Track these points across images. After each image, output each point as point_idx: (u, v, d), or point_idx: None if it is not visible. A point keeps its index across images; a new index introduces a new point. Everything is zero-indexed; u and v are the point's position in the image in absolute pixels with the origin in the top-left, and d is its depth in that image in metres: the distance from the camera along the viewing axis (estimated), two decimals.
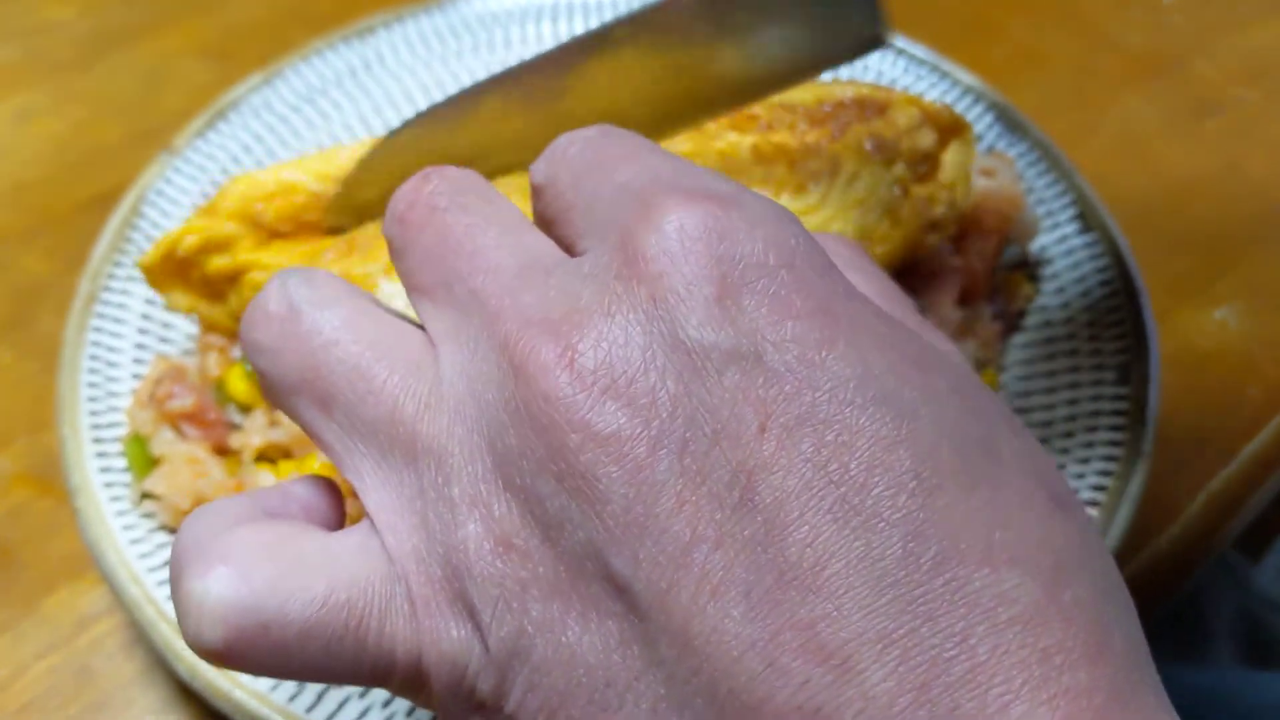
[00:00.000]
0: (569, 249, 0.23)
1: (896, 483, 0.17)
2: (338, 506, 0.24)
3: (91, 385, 0.43)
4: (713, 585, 0.17)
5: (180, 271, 0.43)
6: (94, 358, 0.44)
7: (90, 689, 0.42)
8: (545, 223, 0.24)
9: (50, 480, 0.47)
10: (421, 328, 0.23)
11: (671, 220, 0.20)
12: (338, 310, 0.23)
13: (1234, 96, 0.64)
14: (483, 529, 0.20)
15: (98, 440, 0.41)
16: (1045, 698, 0.16)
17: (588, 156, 0.23)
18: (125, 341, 0.45)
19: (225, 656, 0.20)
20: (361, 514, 0.23)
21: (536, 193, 0.24)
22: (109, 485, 0.40)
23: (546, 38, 0.59)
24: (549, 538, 0.19)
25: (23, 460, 0.48)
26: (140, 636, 0.42)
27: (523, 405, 0.19)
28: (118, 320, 0.46)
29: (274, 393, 0.23)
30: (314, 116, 0.55)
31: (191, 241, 0.41)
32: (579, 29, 0.59)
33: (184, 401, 0.41)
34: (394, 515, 0.21)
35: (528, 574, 0.19)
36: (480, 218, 0.23)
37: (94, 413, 0.42)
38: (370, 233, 0.41)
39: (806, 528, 0.17)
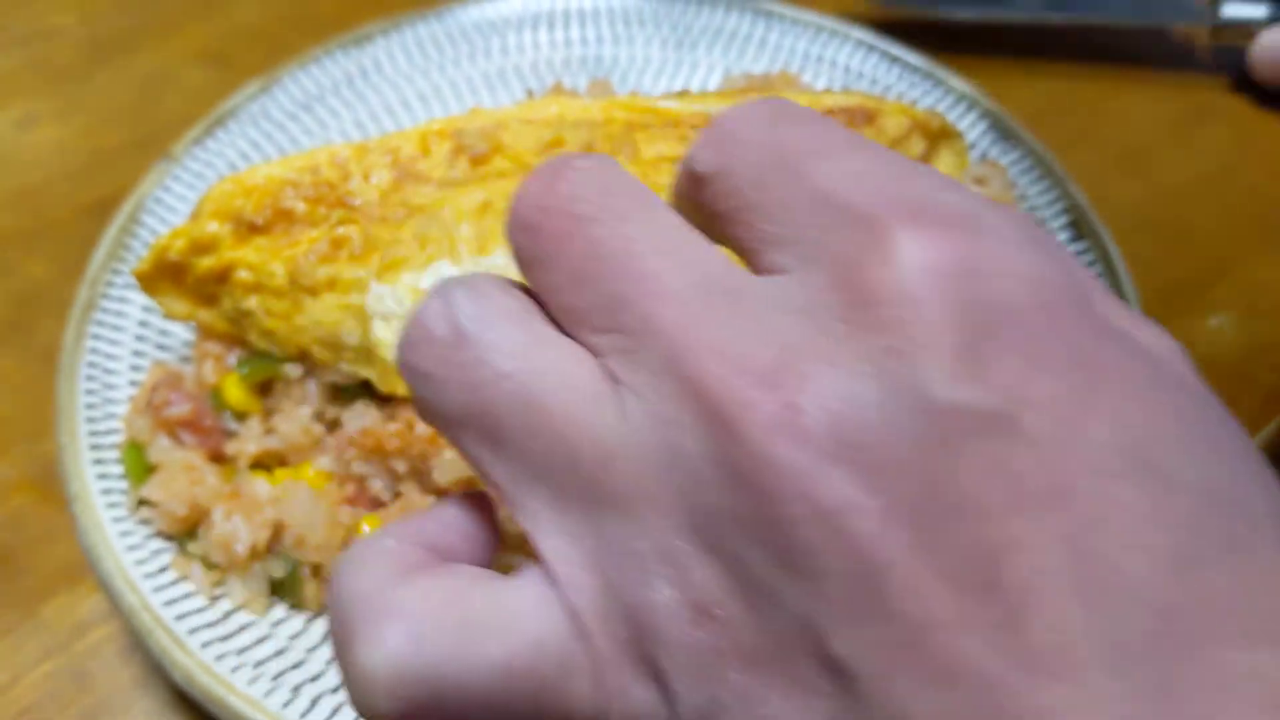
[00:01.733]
0: (746, 255, 0.20)
1: (1153, 560, 0.16)
2: (493, 527, 0.23)
3: (89, 392, 0.43)
4: (946, 671, 0.16)
5: (173, 277, 0.43)
6: (92, 365, 0.44)
7: (88, 694, 0.42)
8: (708, 217, 0.21)
9: (49, 487, 0.48)
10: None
11: (907, 250, 0.17)
12: (507, 332, 0.20)
13: (1230, 101, 0.64)
14: (677, 592, 0.18)
15: (95, 447, 0.42)
16: None
17: (769, 146, 0.20)
18: (123, 349, 0.45)
19: None
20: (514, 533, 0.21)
21: (698, 182, 0.21)
22: (106, 492, 0.41)
23: (543, 45, 0.59)
24: (754, 607, 0.17)
25: (22, 467, 0.49)
26: (137, 642, 0.42)
27: (732, 464, 0.17)
28: (116, 327, 0.46)
29: (436, 423, 0.21)
30: (311, 124, 0.55)
31: (179, 245, 0.42)
32: (575, 36, 0.59)
33: (181, 408, 0.41)
34: (573, 567, 0.19)
35: (727, 644, 0.18)
36: (639, 227, 0.20)
37: (91, 420, 0.43)
38: (358, 231, 0.41)
39: (1052, 611, 0.16)
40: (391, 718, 0.19)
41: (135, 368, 0.45)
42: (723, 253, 0.20)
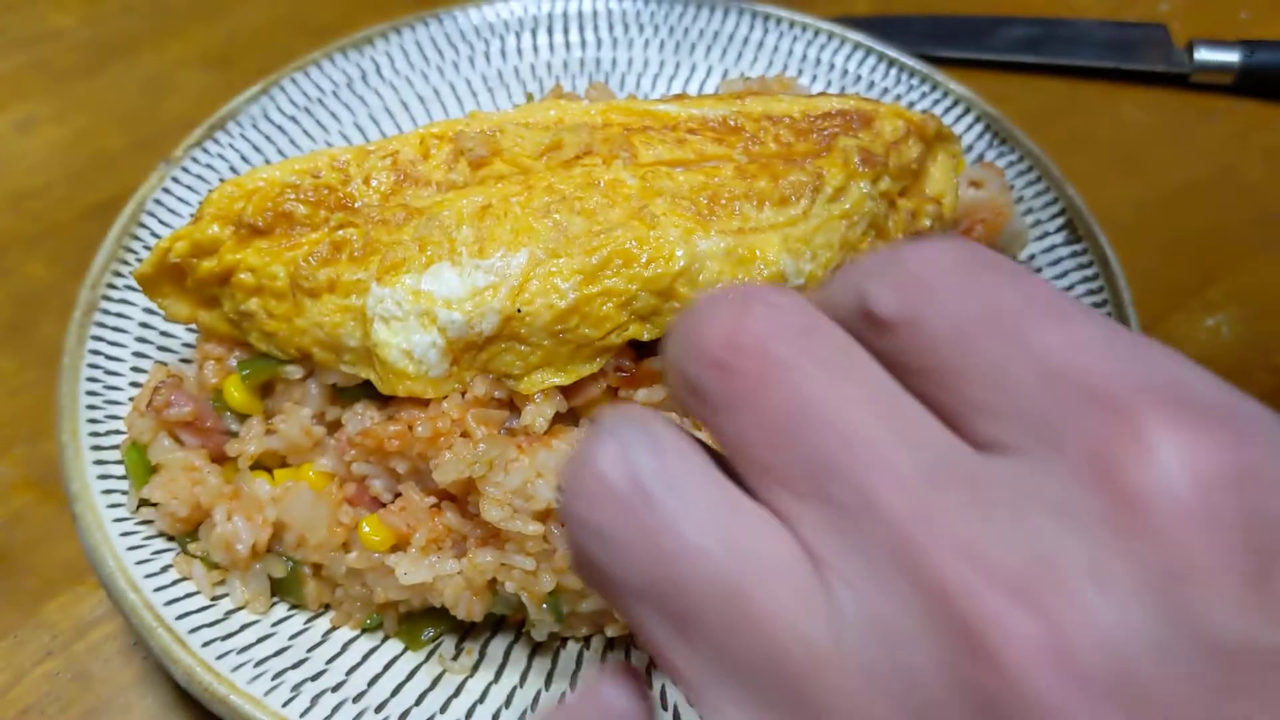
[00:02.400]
0: (946, 417, 0.18)
1: None
2: (648, 702, 0.20)
3: (91, 394, 0.43)
4: None
5: (175, 279, 0.43)
6: (94, 366, 0.44)
7: (89, 693, 0.42)
8: (892, 366, 0.18)
9: (50, 486, 0.48)
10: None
11: (1172, 450, 0.15)
12: (701, 499, 0.18)
13: (1227, 103, 0.65)
14: None
15: (97, 448, 0.42)
16: None
17: (970, 300, 0.18)
18: (125, 350, 0.46)
19: None
20: None
21: (882, 328, 0.18)
22: (107, 492, 0.41)
23: (542, 48, 0.59)
24: None
25: (23, 467, 0.49)
26: (138, 641, 0.43)
27: (980, 691, 0.15)
28: (117, 329, 0.46)
29: (610, 591, 0.19)
30: (311, 126, 0.55)
31: (180, 248, 0.42)
32: (573, 40, 0.60)
33: (182, 409, 0.41)
34: None
35: None
36: (850, 385, 0.18)
37: (93, 420, 0.43)
38: (358, 233, 0.41)
39: None
40: None
41: (137, 369, 0.45)
42: (936, 420, 0.17)
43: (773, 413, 0.18)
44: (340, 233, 0.41)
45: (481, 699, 0.38)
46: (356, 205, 0.42)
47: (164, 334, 0.47)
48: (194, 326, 0.46)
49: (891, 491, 0.16)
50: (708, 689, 0.18)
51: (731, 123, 0.44)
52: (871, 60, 0.57)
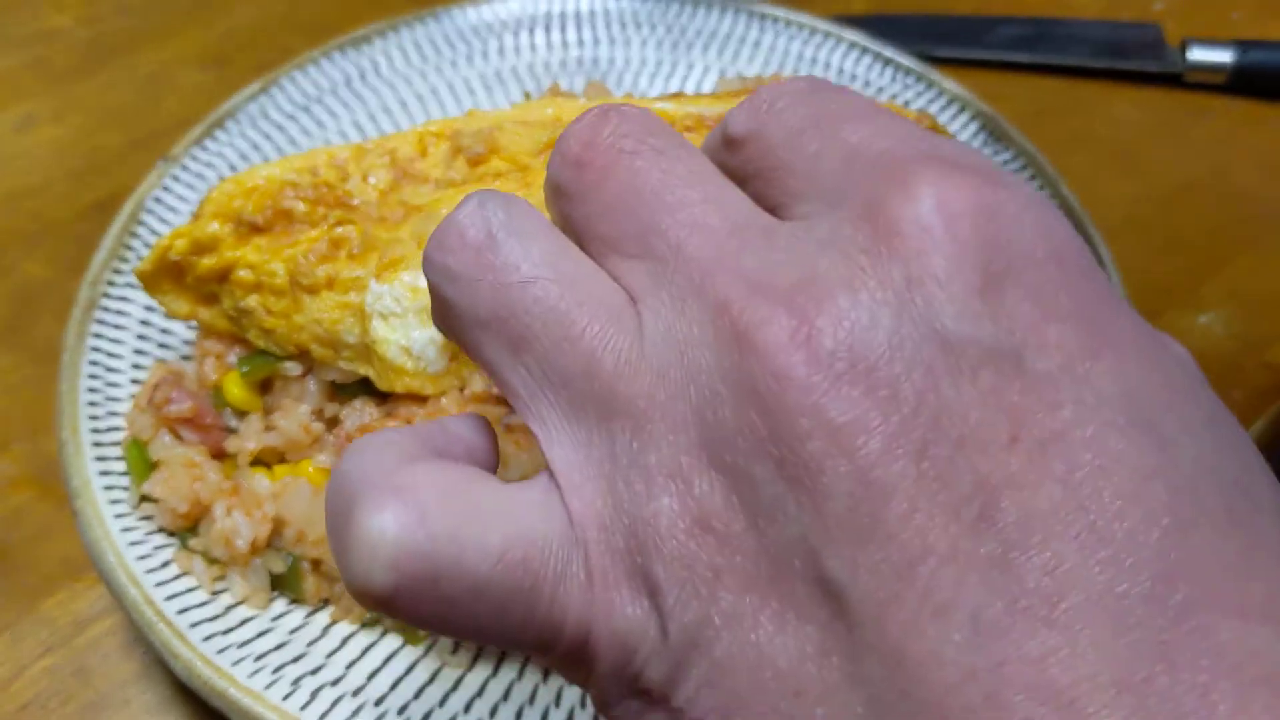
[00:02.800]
0: (773, 211, 0.21)
1: (1150, 516, 0.16)
2: (495, 451, 0.23)
3: (91, 390, 0.44)
4: (938, 603, 0.16)
5: (174, 276, 0.44)
6: (94, 363, 0.45)
7: (88, 689, 0.42)
8: (741, 178, 0.22)
9: (49, 483, 0.48)
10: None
11: (931, 191, 0.18)
12: (539, 243, 0.21)
13: (1221, 102, 0.65)
14: (679, 505, 0.18)
15: (97, 444, 0.42)
16: None
17: (803, 112, 0.21)
18: (125, 347, 0.46)
19: (390, 603, 0.19)
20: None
21: (734, 145, 0.22)
22: (108, 489, 0.41)
23: (539, 47, 0.60)
24: (755, 526, 0.17)
25: (22, 463, 0.49)
26: (138, 637, 0.43)
27: (746, 379, 0.17)
28: (117, 326, 0.46)
29: (457, 324, 0.22)
30: (310, 124, 0.56)
31: (181, 245, 0.42)
32: (571, 39, 0.60)
33: (182, 406, 0.42)
34: (580, 475, 0.20)
35: (723, 560, 0.18)
36: (677, 163, 0.21)
37: (94, 417, 0.43)
38: (356, 231, 0.41)
39: (1049, 554, 0.16)
40: (385, 592, 0.19)
41: (137, 366, 0.46)
42: (750, 201, 0.21)
43: (613, 193, 0.21)
44: (339, 230, 0.41)
45: (480, 693, 0.38)
46: (355, 202, 0.42)
47: (164, 331, 0.47)
48: (194, 324, 0.46)
49: (699, 241, 0.19)
50: (534, 400, 0.20)
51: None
52: (868, 60, 0.57)
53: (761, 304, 0.18)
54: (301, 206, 0.42)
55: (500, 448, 0.37)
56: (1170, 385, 0.18)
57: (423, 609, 0.19)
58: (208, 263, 0.42)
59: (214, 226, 0.42)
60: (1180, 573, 0.16)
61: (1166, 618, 0.15)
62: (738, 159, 0.22)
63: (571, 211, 0.22)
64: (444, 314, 0.22)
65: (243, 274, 0.42)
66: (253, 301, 0.42)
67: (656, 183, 0.20)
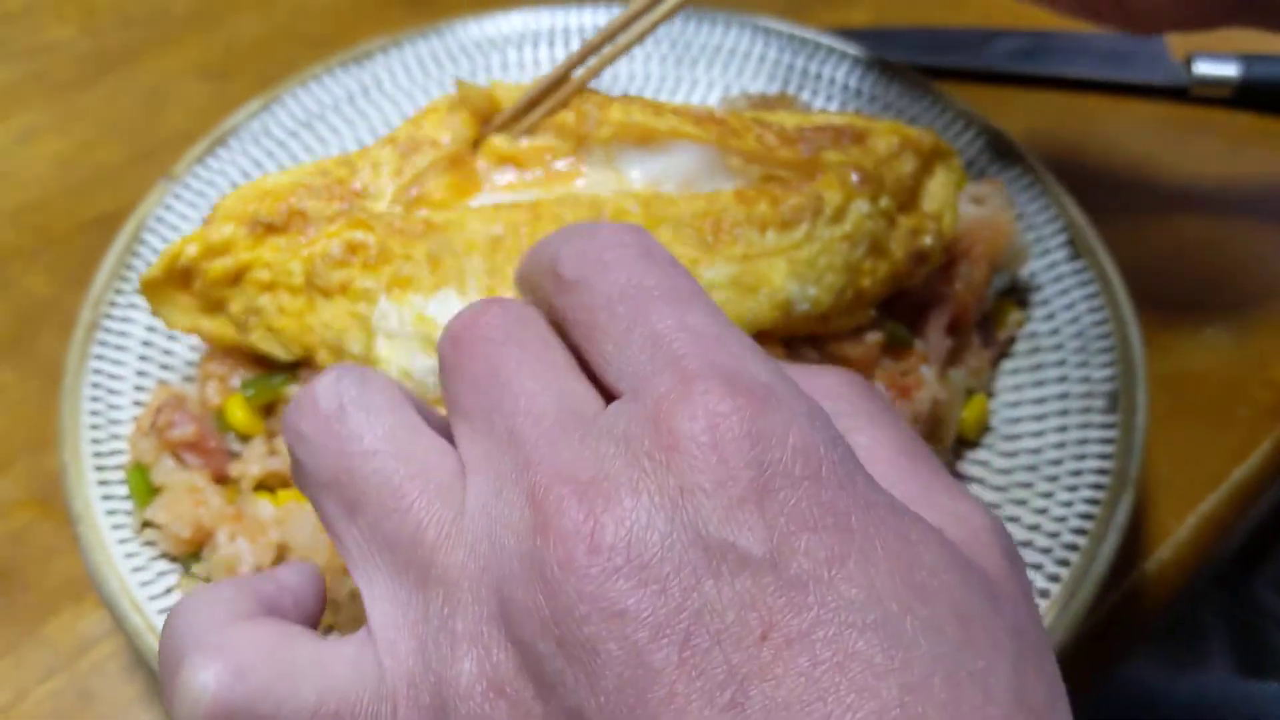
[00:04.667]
0: (593, 373, 0.24)
1: (880, 710, 0.18)
2: (322, 596, 0.26)
3: (93, 413, 0.43)
4: None
5: (182, 282, 0.43)
6: (96, 385, 0.44)
7: (91, 712, 0.42)
8: (562, 322, 0.25)
9: (51, 503, 0.48)
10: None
11: (703, 407, 0.20)
12: (383, 420, 0.24)
13: (1226, 117, 0.65)
14: (478, 669, 0.20)
15: (100, 468, 0.42)
16: None
17: (626, 278, 0.24)
18: (127, 369, 0.46)
19: None
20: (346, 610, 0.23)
21: (562, 286, 0.24)
22: (111, 513, 0.41)
23: (543, 62, 0.59)
24: (541, 695, 0.20)
25: (25, 482, 0.49)
26: (140, 660, 0.43)
27: (537, 562, 0.20)
28: (119, 347, 0.46)
29: (305, 482, 0.24)
30: (312, 141, 0.55)
31: (193, 251, 0.42)
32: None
33: (185, 430, 0.41)
34: (395, 633, 0.22)
35: None
36: (532, 357, 0.24)
37: (96, 440, 0.43)
38: (375, 239, 0.41)
39: None
40: None
41: (139, 388, 0.45)
42: (594, 392, 0.23)
43: (474, 374, 0.24)
44: (357, 235, 0.41)
45: None
46: (379, 207, 0.43)
47: (166, 352, 0.47)
48: (196, 345, 0.46)
49: (528, 429, 0.22)
50: (364, 559, 0.23)
51: (716, 116, 0.45)
52: (872, 75, 0.57)
53: (560, 496, 0.20)
54: (314, 205, 0.42)
55: None
56: (916, 585, 0.20)
57: None
58: (221, 265, 0.42)
59: (227, 229, 0.42)
60: None
61: None
62: (562, 301, 0.25)
63: (445, 381, 0.25)
64: (295, 472, 0.24)
65: (260, 274, 0.42)
66: (265, 300, 0.42)
67: (510, 371, 0.23)
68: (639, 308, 0.23)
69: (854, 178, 0.42)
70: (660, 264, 0.24)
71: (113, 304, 0.47)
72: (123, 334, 0.47)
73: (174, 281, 0.43)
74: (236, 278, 0.42)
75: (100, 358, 0.45)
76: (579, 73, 0.46)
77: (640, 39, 0.47)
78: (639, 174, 0.44)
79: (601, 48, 0.47)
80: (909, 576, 0.20)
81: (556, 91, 0.46)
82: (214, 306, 0.44)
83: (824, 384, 0.26)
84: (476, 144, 0.45)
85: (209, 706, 0.21)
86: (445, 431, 0.25)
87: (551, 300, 0.25)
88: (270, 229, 0.42)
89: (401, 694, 0.21)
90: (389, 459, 0.23)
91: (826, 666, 0.18)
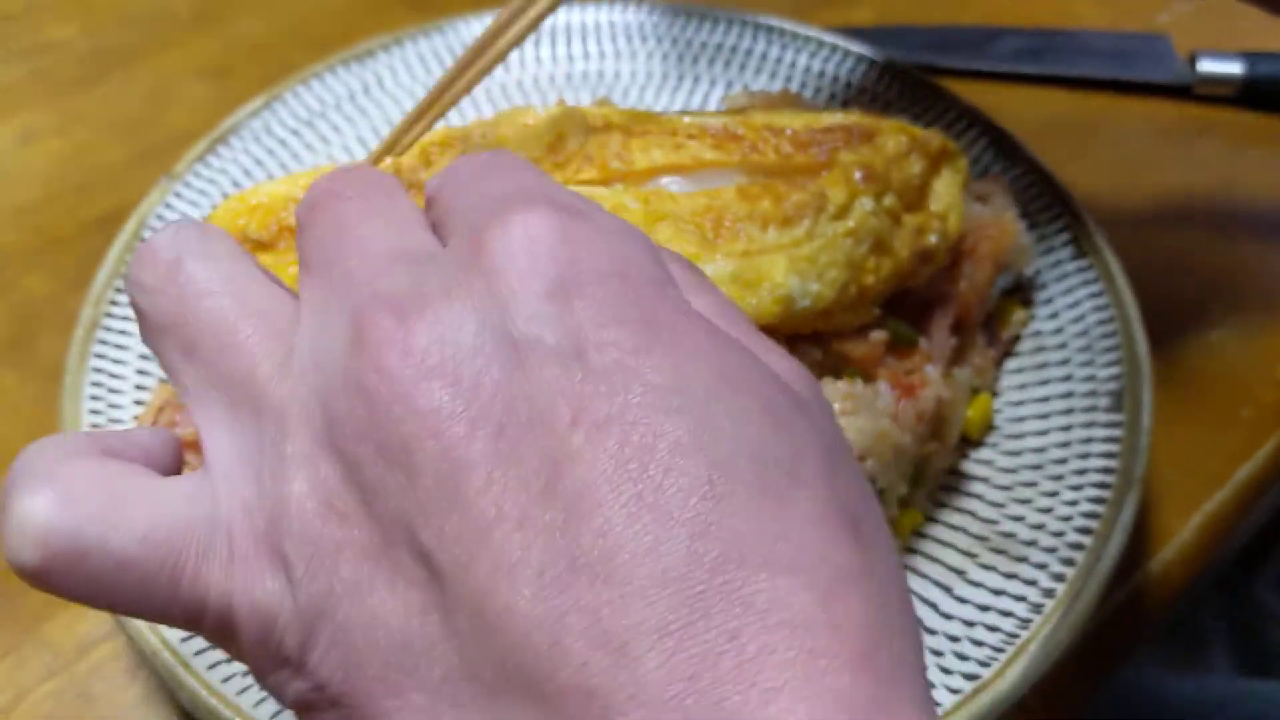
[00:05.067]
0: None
1: (689, 486, 0.19)
2: (176, 456, 0.25)
3: (94, 413, 0.43)
4: (509, 563, 0.18)
5: None
6: (96, 384, 0.44)
7: (90, 714, 0.42)
8: (435, 229, 0.26)
9: None
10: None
11: (519, 222, 0.22)
12: (219, 265, 0.24)
13: (1230, 116, 0.65)
14: (307, 487, 0.21)
15: None
16: (805, 695, 0.17)
17: (468, 171, 0.25)
18: (128, 368, 0.46)
19: (41, 578, 0.21)
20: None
21: (427, 204, 0.26)
22: None
23: (545, 60, 0.59)
24: (366, 502, 0.20)
25: None
26: (142, 661, 0.42)
27: (356, 374, 0.20)
28: (120, 347, 0.46)
29: (146, 331, 0.25)
30: (314, 140, 0.55)
31: None
32: (576, 52, 0.60)
33: (186, 429, 0.41)
34: (232, 465, 0.22)
35: (343, 535, 0.20)
36: (374, 207, 0.25)
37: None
38: None
39: (601, 519, 0.18)
40: (34, 567, 0.21)
41: (140, 387, 0.45)
42: (435, 240, 0.24)
43: (321, 228, 0.25)
44: None
45: None
46: None
47: None
48: None
49: (360, 265, 0.23)
50: (201, 398, 0.23)
51: (732, 130, 0.44)
52: (875, 73, 0.57)
53: (378, 312, 0.21)
54: None
55: None
56: (723, 377, 0.21)
57: (71, 583, 0.21)
58: None
59: None
60: (714, 534, 0.18)
61: (702, 573, 0.18)
62: (430, 212, 0.26)
63: (297, 244, 0.25)
64: (139, 323, 0.25)
65: None
66: None
67: (351, 220, 0.24)
68: (477, 185, 0.24)
69: (858, 175, 0.42)
70: (507, 157, 0.26)
71: (114, 302, 0.47)
72: (124, 333, 0.46)
73: None
74: None
75: (101, 356, 0.45)
76: (588, 102, 0.46)
77: (519, 41, 0.47)
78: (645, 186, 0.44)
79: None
80: (715, 368, 0.21)
81: (433, 109, 0.46)
82: None
83: (670, 255, 0.27)
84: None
85: (38, 530, 0.21)
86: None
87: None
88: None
89: (237, 521, 0.22)
90: (225, 298, 0.24)
91: (635, 447, 0.19)
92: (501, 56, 0.45)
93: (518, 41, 0.44)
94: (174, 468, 0.25)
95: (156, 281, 0.24)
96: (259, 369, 0.23)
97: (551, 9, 0.43)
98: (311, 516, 0.21)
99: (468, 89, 0.44)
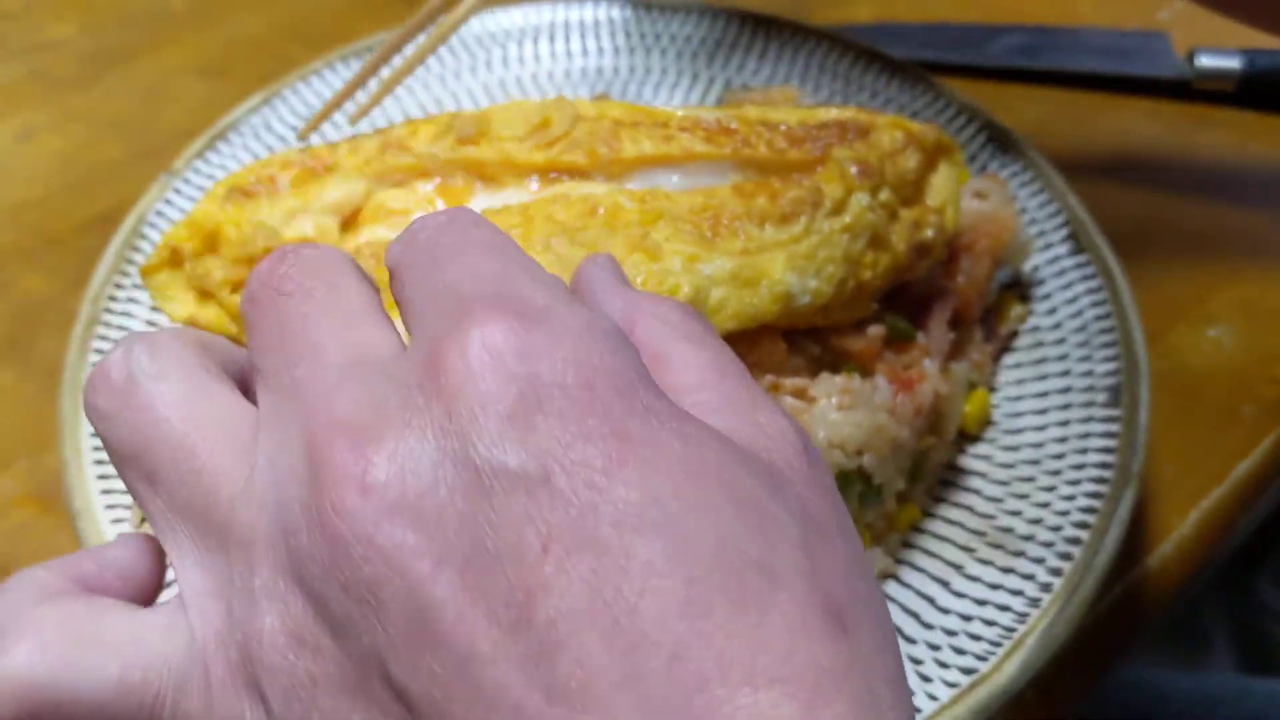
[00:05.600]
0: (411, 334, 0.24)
1: (666, 607, 0.18)
2: (157, 568, 0.25)
3: None
4: (487, 699, 0.18)
5: (174, 263, 0.44)
6: None
7: None
8: (398, 308, 0.24)
9: (52, 500, 0.48)
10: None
11: (475, 333, 0.20)
12: (173, 385, 0.23)
13: (1229, 114, 0.65)
14: (278, 622, 0.20)
15: (99, 463, 0.42)
16: None
17: (426, 247, 0.24)
18: None
19: None
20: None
21: (390, 274, 0.25)
22: (110, 508, 0.41)
23: (544, 57, 0.59)
24: (337, 638, 0.20)
25: (24, 480, 0.49)
26: None
27: (315, 511, 0.20)
28: (119, 342, 0.46)
29: (111, 458, 0.24)
30: (313, 137, 0.55)
31: (181, 233, 0.43)
32: (575, 49, 0.60)
33: None
34: (204, 597, 0.22)
35: (318, 669, 0.20)
36: (318, 307, 0.23)
37: (95, 435, 0.43)
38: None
39: (576, 648, 0.18)
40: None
41: None
42: (389, 331, 0.23)
43: (265, 330, 0.23)
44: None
45: None
46: (338, 169, 0.44)
47: None
48: None
49: (312, 380, 0.22)
50: (169, 531, 0.23)
51: (726, 124, 0.44)
52: (874, 69, 0.57)
53: (334, 441, 0.20)
54: (286, 176, 0.44)
55: None
56: (695, 484, 0.20)
57: None
58: (200, 238, 0.43)
59: (208, 207, 0.44)
60: (694, 654, 0.18)
61: (682, 694, 0.17)
62: (392, 289, 0.24)
63: (248, 340, 0.24)
64: (108, 451, 0.24)
65: (230, 232, 0.43)
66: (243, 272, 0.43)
67: (297, 324, 0.23)
68: (433, 269, 0.23)
69: (853, 170, 0.42)
70: (462, 225, 0.24)
71: (112, 298, 0.47)
72: (123, 329, 0.46)
73: (168, 265, 0.44)
74: (213, 244, 0.43)
75: (100, 352, 0.45)
76: (587, 98, 0.46)
77: (443, 39, 0.48)
78: (637, 185, 0.44)
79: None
80: (687, 474, 0.20)
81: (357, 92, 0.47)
82: (207, 292, 0.44)
83: (652, 309, 0.26)
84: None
85: (12, 688, 0.21)
86: None
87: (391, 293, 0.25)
88: (243, 194, 0.43)
89: (211, 654, 0.21)
90: (180, 424, 0.23)
91: (609, 572, 0.18)
92: (430, 51, 0.46)
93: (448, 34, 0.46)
94: (154, 579, 0.25)
95: (110, 407, 0.24)
96: (220, 495, 0.22)
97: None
98: (284, 651, 0.20)
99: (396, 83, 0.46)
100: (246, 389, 0.25)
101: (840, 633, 0.19)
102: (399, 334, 0.23)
